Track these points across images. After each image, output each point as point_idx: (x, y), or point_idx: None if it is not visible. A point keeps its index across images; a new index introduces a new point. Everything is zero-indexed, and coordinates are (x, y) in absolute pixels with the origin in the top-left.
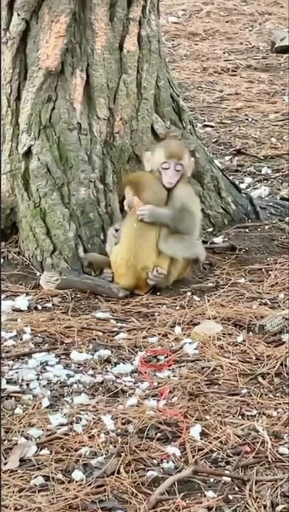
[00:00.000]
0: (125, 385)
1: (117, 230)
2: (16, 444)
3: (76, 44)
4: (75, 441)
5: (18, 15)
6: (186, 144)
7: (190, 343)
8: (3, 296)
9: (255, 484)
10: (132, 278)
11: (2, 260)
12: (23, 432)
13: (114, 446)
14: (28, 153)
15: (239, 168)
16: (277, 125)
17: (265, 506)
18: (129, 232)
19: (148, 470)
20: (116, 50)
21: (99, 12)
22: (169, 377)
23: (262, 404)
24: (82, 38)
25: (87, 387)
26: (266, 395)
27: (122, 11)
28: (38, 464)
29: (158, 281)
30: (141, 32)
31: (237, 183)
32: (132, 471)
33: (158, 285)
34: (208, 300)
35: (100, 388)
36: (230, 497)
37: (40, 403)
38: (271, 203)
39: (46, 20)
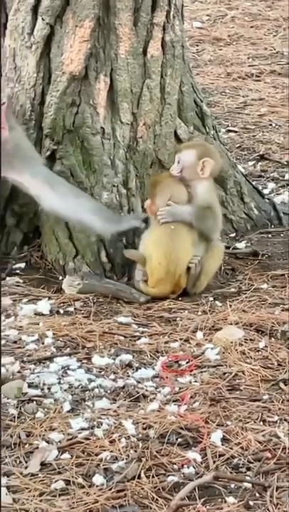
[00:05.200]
0: (146, 390)
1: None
2: (37, 447)
3: (100, 49)
4: (96, 446)
5: (43, 19)
6: (205, 146)
7: (212, 349)
8: (25, 300)
9: (276, 490)
10: (169, 284)
11: (24, 264)
12: (44, 435)
13: (135, 451)
14: (51, 158)
15: (262, 174)
16: None
17: None
18: (164, 234)
19: (169, 475)
20: (140, 55)
21: (123, 17)
22: (190, 383)
23: (283, 410)
24: (106, 42)
25: (109, 391)
26: (288, 401)
27: (146, 16)
28: (59, 468)
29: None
30: (165, 37)
31: (260, 188)
32: (153, 476)
33: (188, 290)
34: (231, 305)
35: (122, 393)
36: (251, 503)
37: (62, 407)
38: None
39: (70, 24)
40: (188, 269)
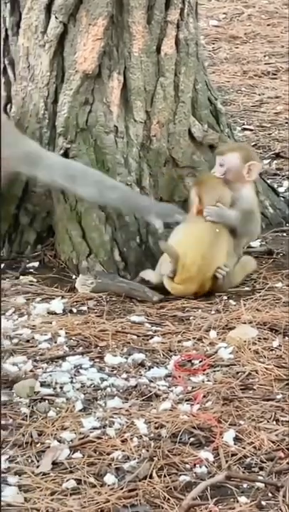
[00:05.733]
0: (159, 389)
1: None
2: (49, 447)
3: (113, 47)
4: (108, 445)
5: (56, 18)
6: (248, 149)
7: (225, 348)
8: (38, 298)
9: None
10: (196, 284)
11: (38, 263)
12: (55, 435)
13: (147, 451)
14: (64, 156)
15: (278, 172)
16: None
17: None
18: (207, 234)
19: (180, 475)
20: (153, 52)
21: (136, 15)
22: (203, 382)
23: None
24: (119, 40)
25: (121, 390)
26: None
27: (159, 14)
28: (71, 468)
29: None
30: (179, 35)
31: (275, 186)
32: (165, 476)
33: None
34: (244, 304)
35: (134, 392)
36: (264, 503)
37: (74, 406)
38: None
39: (84, 23)
40: (215, 276)
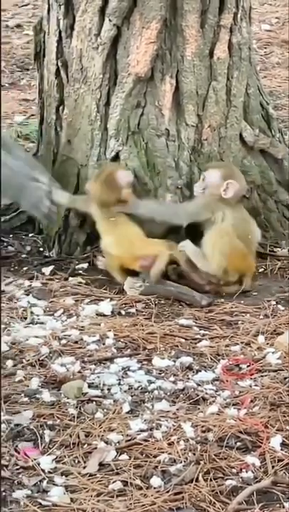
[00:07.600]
0: (206, 393)
1: None
2: (96, 448)
3: (166, 50)
4: (155, 448)
5: (110, 20)
6: (231, 168)
7: (273, 353)
8: (87, 300)
9: None
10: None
11: (87, 265)
12: (102, 436)
13: (194, 454)
14: (115, 159)
15: None
16: None
17: None
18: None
19: (227, 479)
20: (206, 56)
21: (190, 19)
22: (250, 387)
23: None
24: (172, 44)
25: (168, 393)
26: None
27: (213, 18)
28: (117, 469)
29: None
30: (232, 39)
31: None
32: (211, 480)
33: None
34: None
35: (181, 395)
36: None
37: (121, 408)
38: None
39: (137, 26)
40: None
